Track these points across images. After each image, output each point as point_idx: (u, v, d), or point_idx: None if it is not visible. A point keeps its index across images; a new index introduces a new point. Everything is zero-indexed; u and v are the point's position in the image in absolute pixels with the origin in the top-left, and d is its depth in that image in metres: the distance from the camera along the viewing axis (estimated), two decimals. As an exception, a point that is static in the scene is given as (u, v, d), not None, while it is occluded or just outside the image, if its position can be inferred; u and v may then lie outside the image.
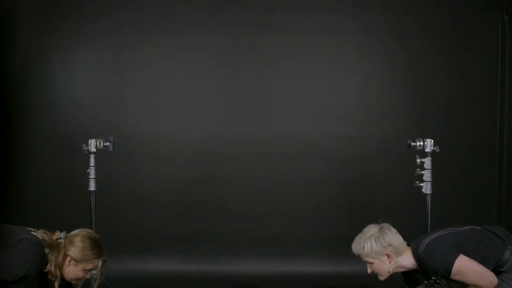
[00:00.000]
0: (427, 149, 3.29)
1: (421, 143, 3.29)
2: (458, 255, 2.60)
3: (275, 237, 4.80)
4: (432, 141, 3.32)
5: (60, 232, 2.73)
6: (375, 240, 2.73)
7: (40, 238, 2.72)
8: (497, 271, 2.64)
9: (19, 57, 4.69)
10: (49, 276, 2.66)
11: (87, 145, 3.43)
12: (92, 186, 3.47)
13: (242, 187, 4.78)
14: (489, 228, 2.76)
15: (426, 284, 2.87)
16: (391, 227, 2.80)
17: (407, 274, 2.91)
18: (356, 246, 2.80)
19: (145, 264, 4.73)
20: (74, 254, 2.67)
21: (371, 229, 2.79)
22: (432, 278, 2.74)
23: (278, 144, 4.75)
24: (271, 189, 4.78)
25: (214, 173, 4.77)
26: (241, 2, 4.72)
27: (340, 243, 4.77)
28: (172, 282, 4.59)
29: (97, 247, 2.74)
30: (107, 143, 3.43)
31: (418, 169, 3.32)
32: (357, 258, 4.84)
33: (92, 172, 3.45)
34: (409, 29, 4.69)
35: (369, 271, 2.82)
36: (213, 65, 4.76)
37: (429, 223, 3.51)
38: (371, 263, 2.77)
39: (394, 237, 2.77)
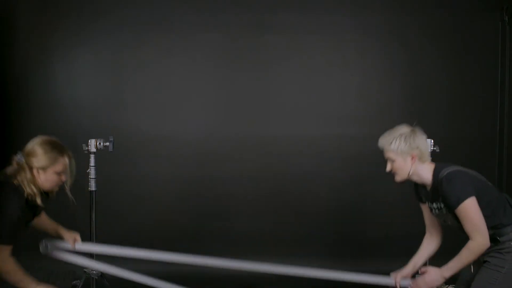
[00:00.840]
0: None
1: (421, 143, 3.28)
2: (473, 196, 2.56)
3: (275, 237, 4.80)
4: (432, 141, 3.32)
5: (16, 154, 2.68)
6: (404, 139, 2.68)
7: (3, 179, 2.65)
8: (493, 238, 2.62)
9: (19, 57, 4.69)
10: (30, 199, 2.63)
11: (87, 145, 3.42)
12: (92, 186, 3.46)
13: (242, 187, 4.78)
14: (508, 198, 2.74)
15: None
16: (423, 133, 2.74)
17: (416, 187, 2.87)
18: (383, 141, 2.77)
19: (145, 264, 4.73)
20: (38, 163, 2.63)
21: (403, 128, 2.73)
22: (435, 204, 2.72)
23: (278, 144, 4.75)
24: (271, 189, 4.78)
25: (214, 173, 4.77)
26: (241, 2, 4.72)
27: (340, 243, 4.81)
28: (172, 282, 4.58)
29: (56, 146, 2.70)
30: (107, 143, 3.43)
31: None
32: (357, 258, 4.85)
33: (92, 172, 3.44)
34: (409, 29, 4.69)
35: (388, 168, 2.77)
36: (213, 65, 4.76)
37: (429, 223, 3.50)
38: (393, 160, 2.72)
39: (423, 142, 2.71)
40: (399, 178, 2.75)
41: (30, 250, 4.70)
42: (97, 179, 3.46)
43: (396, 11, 4.72)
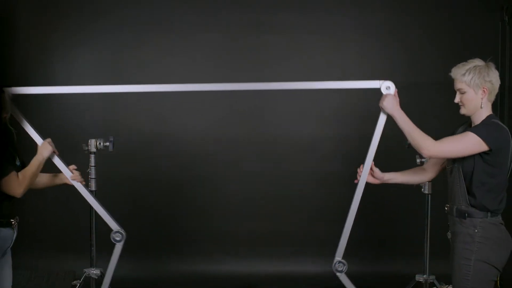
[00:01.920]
0: (427, 149, 3.28)
1: (421, 143, 3.28)
2: (484, 142, 2.55)
3: (275, 237, 4.80)
4: (432, 141, 3.31)
5: None
6: (479, 71, 2.65)
7: None
8: (464, 212, 2.63)
9: (19, 57, 4.70)
10: None
11: (87, 145, 3.43)
12: (92, 186, 3.47)
13: (242, 187, 4.79)
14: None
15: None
16: (496, 69, 2.73)
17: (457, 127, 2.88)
18: (457, 71, 2.72)
19: (145, 264, 4.73)
20: None
21: (478, 61, 2.70)
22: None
23: (278, 144, 4.75)
24: (271, 189, 4.78)
25: (214, 173, 4.78)
26: (241, 2, 4.72)
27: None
28: (172, 282, 4.59)
29: None
30: (107, 143, 3.43)
31: (418, 169, 3.31)
32: (357, 258, 4.85)
33: (92, 172, 3.45)
34: (409, 29, 4.69)
35: (457, 99, 2.75)
36: (213, 65, 4.76)
37: (429, 223, 3.51)
38: (463, 92, 2.70)
39: (496, 77, 2.70)
40: (465, 111, 2.73)
41: (30, 250, 4.72)
42: (97, 179, 3.46)
43: (396, 11, 4.72)
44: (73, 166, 2.98)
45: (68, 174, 2.94)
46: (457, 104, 2.80)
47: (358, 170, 2.97)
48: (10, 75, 4.69)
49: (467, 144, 2.59)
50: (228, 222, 4.79)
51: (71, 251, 3.36)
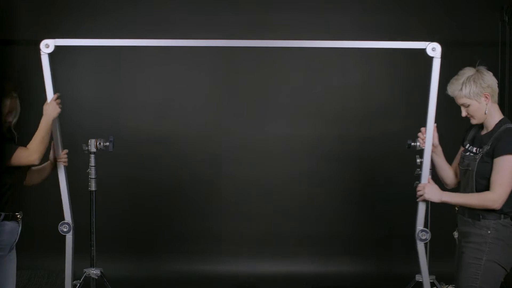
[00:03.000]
0: (427, 149, 3.28)
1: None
2: None
3: (275, 237, 4.80)
4: (432, 141, 3.30)
5: None
6: (473, 81, 2.67)
7: None
8: (477, 214, 2.64)
9: (19, 57, 4.69)
10: None
11: (87, 145, 3.42)
12: (92, 186, 3.47)
13: (242, 187, 4.79)
14: None
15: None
16: (488, 70, 2.75)
17: (468, 129, 2.89)
18: (453, 88, 2.73)
19: (145, 264, 4.73)
20: None
21: (468, 71, 2.72)
22: (476, 148, 2.72)
23: (278, 144, 4.76)
24: (271, 189, 4.79)
25: (214, 173, 4.78)
26: (241, 2, 4.72)
27: (340, 243, 4.81)
28: (172, 282, 4.59)
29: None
30: (107, 143, 3.42)
31: (418, 169, 3.30)
32: (358, 258, 4.86)
33: (92, 172, 3.44)
34: (409, 29, 4.69)
35: (463, 114, 2.74)
36: (213, 65, 4.76)
37: (429, 223, 3.50)
38: (467, 106, 2.70)
39: (492, 79, 2.72)
40: (476, 121, 2.74)
41: (30, 250, 4.71)
42: (97, 179, 3.46)
43: (396, 11, 4.73)
44: (65, 151, 3.12)
45: (59, 153, 3.07)
46: (454, 107, 2.81)
47: (420, 134, 3.00)
48: (10, 75, 4.69)
49: (510, 167, 2.58)
50: (228, 222, 4.79)
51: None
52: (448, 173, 2.97)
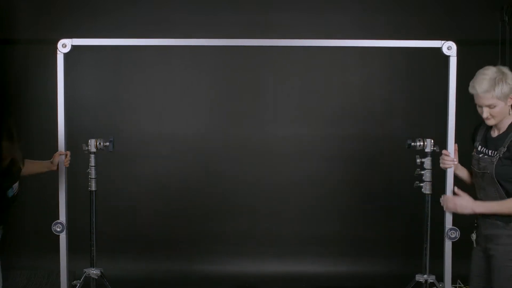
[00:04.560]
0: (427, 149, 3.28)
1: (421, 143, 3.28)
2: None
3: (275, 237, 4.80)
4: (432, 141, 3.31)
5: None
6: (505, 81, 2.60)
7: None
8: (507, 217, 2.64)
9: (19, 57, 4.69)
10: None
11: (87, 145, 3.42)
12: (92, 186, 3.46)
13: (242, 187, 4.79)
14: None
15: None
16: (508, 68, 2.69)
17: (476, 129, 2.89)
18: (483, 87, 2.62)
19: (145, 264, 4.73)
20: None
21: (492, 71, 2.64)
22: (490, 150, 2.70)
23: (278, 144, 4.75)
24: (271, 189, 4.78)
25: (214, 173, 4.78)
26: (241, 2, 4.72)
27: (340, 243, 4.81)
28: (172, 282, 4.59)
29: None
30: (107, 143, 3.42)
31: (418, 169, 3.31)
32: (358, 258, 4.84)
33: (92, 172, 3.44)
34: (409, 29, 4.69)
35: (486, 115, 2.67)
36: (213, 64, 4.76)
37: (429, 223, 3.50)
38: (494, 106, 2.63)
39: None
40: (494, 121, 2.70)
41: (30, 250, 4.72)
42: (97, 179, 3.46)
43: (396, 11, 4.72)
44: (68, 153, 3.27)
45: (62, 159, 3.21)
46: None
47: (444, 156, 3.04)
48: (10, 75, 4.70)
49: None
50: (228, 222, 4.79)
51: (71, 251, 3.35)
52: (463, 173, 3.02)
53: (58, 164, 3.23)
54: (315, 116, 4.77)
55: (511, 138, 2.65)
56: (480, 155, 2.77)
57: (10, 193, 2.92)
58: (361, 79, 4.78)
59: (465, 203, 2.76)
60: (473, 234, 2.87)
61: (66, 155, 3.26)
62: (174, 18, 4.67)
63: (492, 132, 2.78)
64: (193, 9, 4.70)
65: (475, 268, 2.85)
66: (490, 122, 2.71)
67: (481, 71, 2.70)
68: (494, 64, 4.73)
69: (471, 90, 2.70)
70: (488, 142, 2.77)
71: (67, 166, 3.25)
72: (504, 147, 2.65)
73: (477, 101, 2.71)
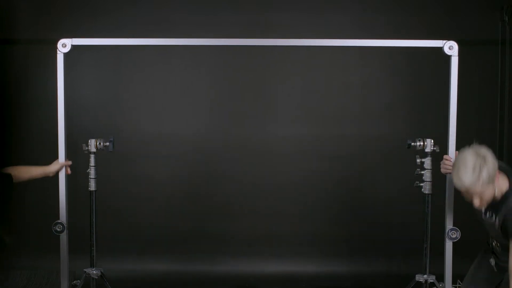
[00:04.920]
0: (427, 149, 3.28)
1: (421, 143, 3.28)
2: None
3: (274, 237, 4.80)
4: (432, 141, 3.31)
5: None
6: (486, 169, 2.52)
7: None
8: None
9: (19, 57, 4.69)
10: None
11: (87, 145, 3.42)
12: (92, 186, 3.46)
13: (242, 187, 4.79)
14: None
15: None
16: (483, 146, 2.62)
17: None
18: (466, 181, 2.54)
19: (145, 264, 4.73)
20: None
21: (471, 158, 2.55)
22: (488, 213, 2.68)
23: (278, 144, 4.75)
24: (271, 189, 4.78)
25: (214, 173, 4.78)
26: (241, 2, 4.72)
27: (340, 242, 4.81)
28: (172, 282, 4.59)
29: None
30: (107, 143, 3.42)
31: (418, 169, 3.31)
32: (357, 258, 4.84)
33: (92, 172, 3.44)
34: (409, 29, 4.69)
35: (477, 204, 2.60)
36: (213, 64, 4.76)
37: (429, 223, 3.50)
38: (481, 193, 2.56)
39: (494, 157, 2.59)
40: (485, 203, 2.64)
41: (30, 250, 4.72)
42: (97, 179, 3.46)
43: (396, 11, 4.72)
44: (69, 162, 3.29)
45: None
46: None
47: (445, 161, 3.06)
48: (10, 75, 4.70)
49: None
50: (228, 222, 4.79)
51: (71, 251, 3.35)
52: None
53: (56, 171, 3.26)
54: (315, 116, 4.77)
55: (504, 213, 2.62)
56: (483, 215, 2.77)
57: None
58: (361, 79, 4.78)
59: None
60: (491, 259, 2.88)
61: (67, 165, 3.28)
62: (174, 18, 4.66)
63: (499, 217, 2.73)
64: (193, 9, 4.69)
65: (480, 272, 2.87)
66: (480, 205, 2.65)
67: (460, 160, 2.60)
68: (494, 64, 4.76)
69: (457, 184, 2.61)
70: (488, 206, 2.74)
71: (69, 173, 3.29)
72: (500, 218, 2.65)
73: (464, 194, 2.64)
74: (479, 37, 4.69)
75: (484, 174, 2.53)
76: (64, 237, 3.27)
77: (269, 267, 4.73)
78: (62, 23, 4.62)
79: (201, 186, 4.77)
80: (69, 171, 3.30)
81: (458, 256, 3.18)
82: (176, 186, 4.77)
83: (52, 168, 3.24)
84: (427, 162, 3.28)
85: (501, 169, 2.67)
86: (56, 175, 3.27)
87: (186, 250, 4.80)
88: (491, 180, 2.56)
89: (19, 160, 4.65)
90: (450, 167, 2.94)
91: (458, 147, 3.20)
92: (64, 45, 3.19)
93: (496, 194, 2.63)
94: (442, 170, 3.07)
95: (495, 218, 2.68)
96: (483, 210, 2.76)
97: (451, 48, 3.01)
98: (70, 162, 3.29)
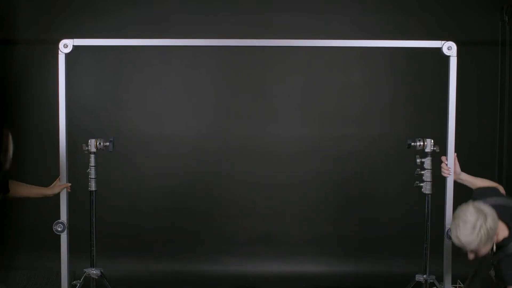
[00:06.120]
0: (427, 149, 3.29)
1: (421, 143, 3.29)
2: None
3: (274, 237, 4.80)
4: (432, 141, 3.32)
5: None
6: (486, 229, 2.47)
7: None
8: None
9: (19, 57, 4.69)
10: None
11: (87, 145, 3.42)
12: (92, 186, 3.47)
13: (242, 187, 4.79)
14: None
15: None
16: (483, 203, 2.58)
17: None
18: (467, 240, 2.50)
19: (145, 264, 4.73)
20: None
21: (471, 216, 2.50)
22: (495, 253, 2.66)
23: (278, 144, 4.75)
24: (271, 189, 4.78)
25: (214, 173, 4.78)
26: (241, 2, 4.72)
27: (340, 242, 4.81)
28: (172, 282, 4.59)
29: None
30: (107, 143, 3.42)
31: (418, 169, 3.31)
32: (358, 258, 4.83)
33: (92, 172, 3.44)
34: (409, 29, 4.69)
35: (471, 257, 2.58)
36: (213, 65, 4.76)
37: (429, 223, 3.51)
38: (480, 250, 2.54)
39: (494, 213, 2.53)
40: (474, 256, 2.61)
41: (30, 250, 4.72)
42: (97, 179, 3.47)
43: (396, 11, 4.72)
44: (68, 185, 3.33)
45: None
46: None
47: (443, 165, 3.14)
48: (10, 75, 4.69)
49: None
50: (228, 222, 4.79)
51: (71, 251, 3.36)
52: (466, 178, 3.10)
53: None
54: (315, 116, 4.77)
55: (501, 259, 2.63)
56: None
57: None
58: (361, 79, 4.78)
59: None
60: (491, 271, 2.86)
61: (67, 186, 3.32)
62: (174, 18, 4.66)
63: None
64: (193, 9, 4.69)
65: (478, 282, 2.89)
66: (472, 257, 2.62)
67: (461, 216, 2.55)
68: (494, 64, 4.76)
69: (455, 241, 2.57)
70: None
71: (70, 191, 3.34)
72: (496, 262, 2.66)
73: (461, 247, 2.61)
74: (479, 37, 4.69)
75: (483, 234, 2.49)
76: (64, 237, 3.28)
77: (269, 267, 4.73)
78: (62, 23, 4.62)
79: (201, 186, 4.77)
80: (69, 190, 3.34)
81: (458, 256, 3.18)
82: (176, 186, 4.76)
83: (51, 191, 3.27)
84: (427, 162, 3.29)
85: (502, 216, 2.61)
86: (57, 195, 3.31)
87: (186, 250, 4.79)
88: (490, 239, 2.52)
89: (17, 160, 4.64)
90: (447, 171, 3.07)
91: (458, 147, 3.21)
92: (66, 45, 3.20)
93: (494, 244, 2.62)
94: (442, 174, 3.11)
95: (494, 257, 2.68)
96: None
97: (449, 48, 3.02)
98: (69, 184, 3.32)
